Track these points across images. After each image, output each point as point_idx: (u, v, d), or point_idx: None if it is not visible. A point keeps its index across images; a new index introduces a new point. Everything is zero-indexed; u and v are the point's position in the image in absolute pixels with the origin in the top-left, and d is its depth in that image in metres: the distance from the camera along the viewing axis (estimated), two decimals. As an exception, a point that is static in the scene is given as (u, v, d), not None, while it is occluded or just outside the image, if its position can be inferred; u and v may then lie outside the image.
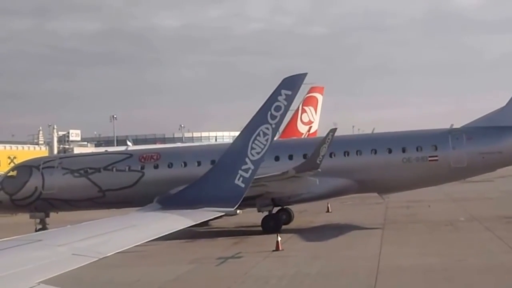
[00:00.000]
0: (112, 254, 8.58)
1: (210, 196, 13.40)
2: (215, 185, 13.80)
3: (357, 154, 35.69)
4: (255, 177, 32.31)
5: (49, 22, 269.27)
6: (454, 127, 36.70)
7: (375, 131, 41.63)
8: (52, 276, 6.47)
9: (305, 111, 65.75)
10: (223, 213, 13.27)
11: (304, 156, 34.55)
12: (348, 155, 35.27)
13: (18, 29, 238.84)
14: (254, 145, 13.52)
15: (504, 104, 36.08)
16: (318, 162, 31.04)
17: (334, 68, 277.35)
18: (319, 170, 31.32)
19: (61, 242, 8.17)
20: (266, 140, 13.53)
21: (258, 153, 13.40)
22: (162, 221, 11.90)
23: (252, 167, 13.37)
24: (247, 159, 13.46)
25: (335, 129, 32.17)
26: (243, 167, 13.45)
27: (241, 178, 13.40)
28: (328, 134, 32.04)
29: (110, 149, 64.47)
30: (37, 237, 8.46)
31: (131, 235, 9.90)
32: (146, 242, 10.25)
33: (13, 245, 7.82)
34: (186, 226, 11.65)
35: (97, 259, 7.81)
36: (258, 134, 13.61)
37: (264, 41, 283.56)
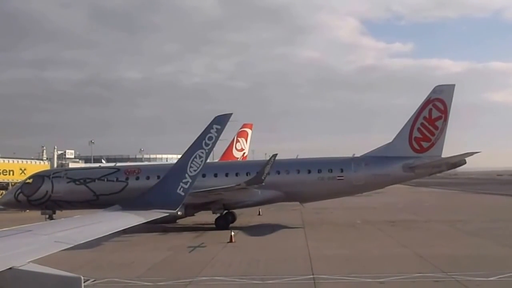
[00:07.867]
0: (90, 242, 8.34)
1: (158, 201, 13.39)
2: (162, 192, 13.86)
3: (286, 173, 36.10)
4: (213, 188, 32.90)
5: (45, 72, 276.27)
6: (355, 156, 37.30)
7: (298, 157, 41.45)
8: (38, 257, 6.30)
9: (239, 141, 65.64)
10: (167, 214, 13.38)
11: (247, 173, 34.90)
12: (279, 173, 35.44)
13: (20, 77, 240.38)
14: (192, 165, 13.72)
15: (390, 140, 37.32)
16: (263, 178, 31.38)
17: (252, 112, 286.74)
18: (264, 184, 31.71)
19: (46, 232, 8.00)
20: (201, 161, 13.80)
21: (195, 170, 13.65)
22: (122, 218, 11.52)
23: (190, 180, 13.57)
24: (186, 175, 13.63)
25: (276, 154, 32.27)
26: (184, 180, 13.58)
27: (181, 188, 13.53)
28: (271, 157, 32.33)
29: (93, 164, 63.34)
30: (28, 228, 8.21)
31: (98, 228, 9.57)
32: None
33: (10, 234, 7.62)
34: (140, 223, 11.52)
35: (72, 245, 7.55)
36: (195, 157, 13.82)
37: (201, 90, 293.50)
